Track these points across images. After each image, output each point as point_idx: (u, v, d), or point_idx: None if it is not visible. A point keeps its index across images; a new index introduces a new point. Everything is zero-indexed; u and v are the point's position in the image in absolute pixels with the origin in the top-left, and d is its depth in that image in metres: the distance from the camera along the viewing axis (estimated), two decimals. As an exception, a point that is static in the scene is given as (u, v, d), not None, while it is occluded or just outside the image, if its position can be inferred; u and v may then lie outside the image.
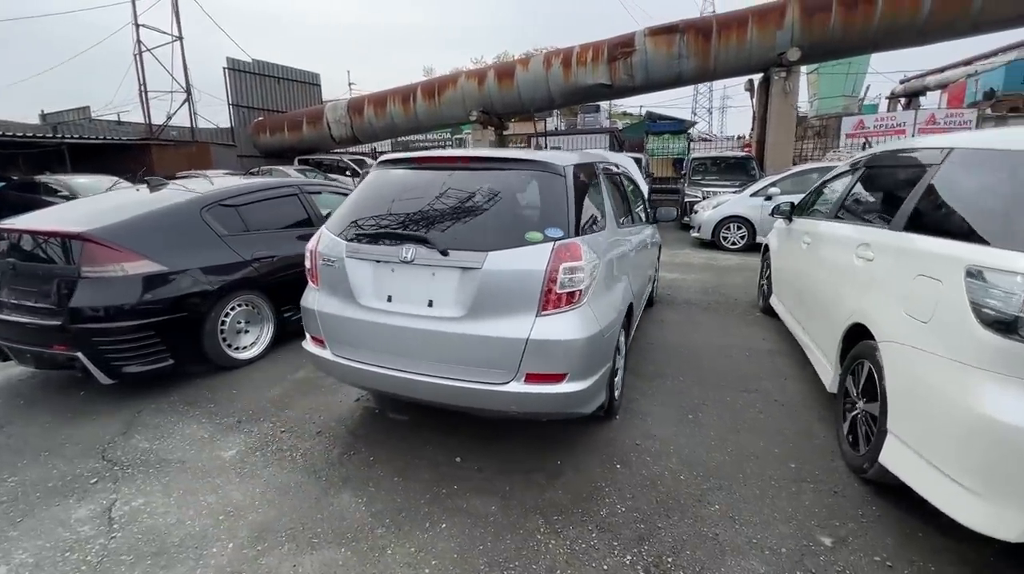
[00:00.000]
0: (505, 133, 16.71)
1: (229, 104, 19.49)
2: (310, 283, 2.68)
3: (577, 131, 20.71)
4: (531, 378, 2.17)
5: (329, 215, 5.24)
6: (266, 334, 3.94)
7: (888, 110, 32.39)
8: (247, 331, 3.81)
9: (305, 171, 15.15)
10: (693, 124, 24.78)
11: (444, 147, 24.58)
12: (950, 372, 1.71)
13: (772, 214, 4.44)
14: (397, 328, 2.30)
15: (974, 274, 1.68)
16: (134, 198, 3.82)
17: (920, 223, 2.19)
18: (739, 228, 8.95)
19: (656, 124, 25.20)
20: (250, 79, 19.93)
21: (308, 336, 2.71)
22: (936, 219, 2.12)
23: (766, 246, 5.03)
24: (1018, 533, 1.50)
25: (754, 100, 14.67)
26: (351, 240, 2.45)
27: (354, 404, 3.15)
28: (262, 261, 3.83)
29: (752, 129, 15.28)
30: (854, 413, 2.44)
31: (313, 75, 22.73)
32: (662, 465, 2.46)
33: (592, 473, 2.40)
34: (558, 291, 2.12)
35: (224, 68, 19.18)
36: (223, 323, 3.58)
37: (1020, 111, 21.33)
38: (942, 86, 31.19)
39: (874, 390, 2.22)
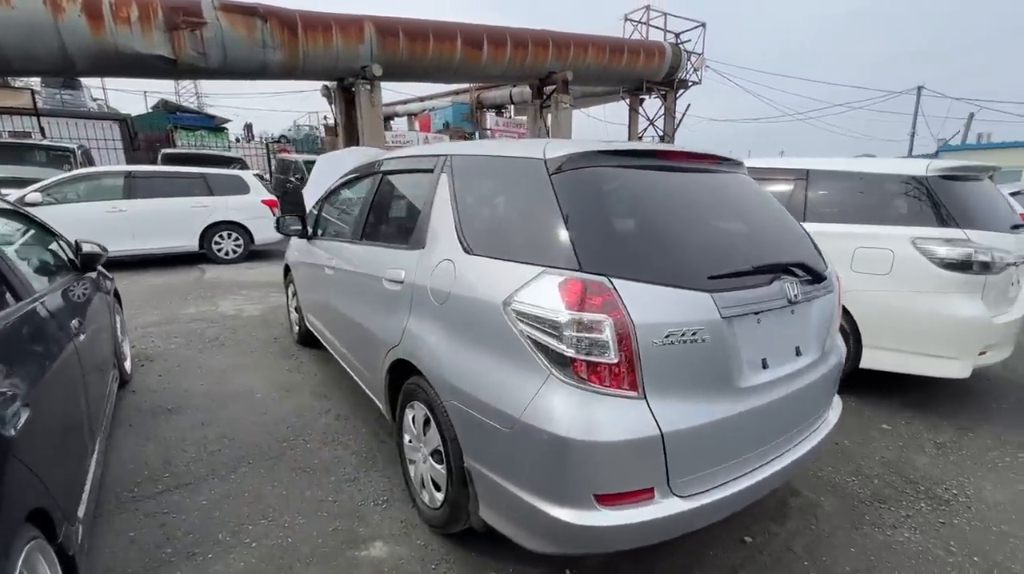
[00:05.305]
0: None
1: None
2: (614, 389, 1.29)
3: (74, 114, 14.26)
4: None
5: None
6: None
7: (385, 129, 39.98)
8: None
9: None
10: (227, 121, 21.95)
11: None
12: (921, 298, 2.99)
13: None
14: (777, 402, 1.58)
15: (918, 244, 3.00)
16: None
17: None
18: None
19: (180, 116, 20.80)
20: None
21: (567, 497, 1.32)
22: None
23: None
24: (969, 372, 2.94)
25: (333, 107, 14.83)
26: (716, 289, 1.39)
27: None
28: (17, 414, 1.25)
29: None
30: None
31: None
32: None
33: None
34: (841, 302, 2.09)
35: None
36: None
37: (465, 138, 31.49)
38: (410, 114, 41.39)
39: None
